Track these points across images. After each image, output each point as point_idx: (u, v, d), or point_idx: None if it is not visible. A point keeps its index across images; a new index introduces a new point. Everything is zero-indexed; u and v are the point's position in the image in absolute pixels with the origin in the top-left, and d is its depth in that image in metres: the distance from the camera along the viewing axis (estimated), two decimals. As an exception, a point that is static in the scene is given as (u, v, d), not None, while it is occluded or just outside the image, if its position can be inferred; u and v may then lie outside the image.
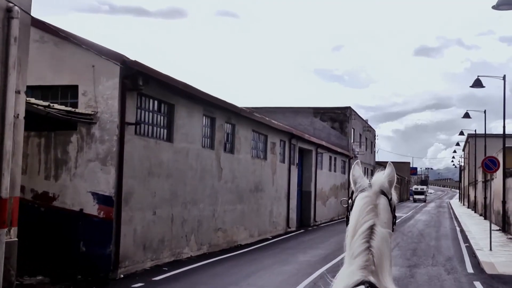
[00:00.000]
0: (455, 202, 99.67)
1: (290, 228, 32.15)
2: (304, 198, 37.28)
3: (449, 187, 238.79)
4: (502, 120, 32.33)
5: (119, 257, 15.08)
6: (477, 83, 31.80)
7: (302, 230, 32.94)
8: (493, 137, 56.23)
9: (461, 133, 62.43)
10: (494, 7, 18.36)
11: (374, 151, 72.73)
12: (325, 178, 41.94)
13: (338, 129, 52.72)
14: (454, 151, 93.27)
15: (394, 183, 3.15)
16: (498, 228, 33.85)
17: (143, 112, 16.86)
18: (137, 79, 15.63)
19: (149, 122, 17.22)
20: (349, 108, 53.94)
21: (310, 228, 34.93)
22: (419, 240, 27.79)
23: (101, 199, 15.03)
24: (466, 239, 28.16)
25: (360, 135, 59.70)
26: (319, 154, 39.77)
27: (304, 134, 36.28)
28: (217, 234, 22.04)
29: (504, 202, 31.71)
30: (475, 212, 60.19)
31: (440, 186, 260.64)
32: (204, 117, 20.88)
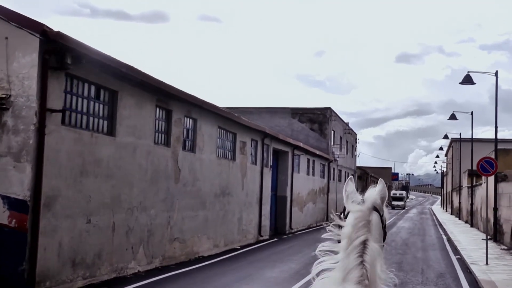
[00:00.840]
0: (437, 208, 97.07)
1: (262, 236, 29.22)
2: (279, 203, 34.33)
3: (430, 193, 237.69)
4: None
5: (36, 276, 12.04)
6: (467, 79, 29.32)
7: (275, 239, 29.99)
8: (477, 142, 54.05)
9: (446, 137, 59.98)
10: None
11: (355, 155, 69.99)
12: (302, 182, 39.03)
13: (318, 131, 49.93)
14: (437, 156, 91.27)
15: (386, 200, 3.09)
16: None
17: (74, 98, 13.83)
18: (64, 56, 12.67)
19: (83, 110, 14.19)
20: (329, 108, 51.13)
21: (285, 237, 32.00)
22: (404, 251, 24.98)
23: (13, 204, 11.98)
24: (455, 250, 25.45)
25: (341, 137, 56.96)
26: (296, 156, 36.87)
27: (279, 134, 33.36)
28: (173, 245, 19.03)
29: (495, 209, 29.05)
30: (459, 219, 57.74)
31: (421, 192, 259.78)
32: (157, 109, 17.92)
